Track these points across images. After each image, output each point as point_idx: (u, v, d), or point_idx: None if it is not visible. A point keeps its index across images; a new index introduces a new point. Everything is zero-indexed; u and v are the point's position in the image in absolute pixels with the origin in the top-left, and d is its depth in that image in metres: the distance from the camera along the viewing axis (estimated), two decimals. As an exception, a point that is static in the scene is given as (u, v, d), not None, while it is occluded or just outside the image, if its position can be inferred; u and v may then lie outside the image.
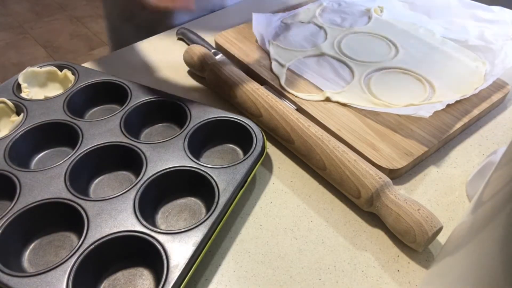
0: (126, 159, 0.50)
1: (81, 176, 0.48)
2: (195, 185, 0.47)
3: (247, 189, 0.50)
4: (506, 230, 0.24)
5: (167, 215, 0.46)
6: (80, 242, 0.40)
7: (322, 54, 0.67)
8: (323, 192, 0.50)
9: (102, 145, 0.50)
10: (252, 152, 0.49)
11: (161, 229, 0.41)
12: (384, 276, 0.42)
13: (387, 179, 0.46)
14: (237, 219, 0.47)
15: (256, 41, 0.69)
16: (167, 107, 0.56)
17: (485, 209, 0.28)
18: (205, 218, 0.42)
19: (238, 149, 0.54)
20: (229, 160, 0.50)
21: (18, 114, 0.55)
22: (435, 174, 0.52)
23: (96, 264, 0.40)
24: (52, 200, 0.44)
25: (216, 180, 0.45)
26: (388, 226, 0.45)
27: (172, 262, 0.38)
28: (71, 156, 0.48)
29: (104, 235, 0.41)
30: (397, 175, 0.51)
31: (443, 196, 0.49)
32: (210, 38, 0.73)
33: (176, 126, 0.55)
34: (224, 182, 0.45)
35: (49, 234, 0.44)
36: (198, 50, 0.64)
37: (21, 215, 0.42)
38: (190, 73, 0.68)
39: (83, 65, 0.63)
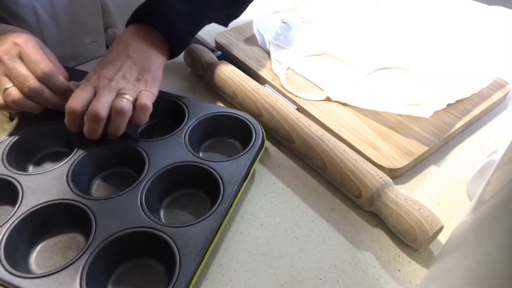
0: (127, 158, 0.50)
1: (83, 177, 0.48)
2: (198, 179, 0.47)
3: (248, 189, 0.50)
4: (507, 230, 0.24)
5: (171, 210, 0.47)
6: (90, 241, 0.40)
7: (322, 54, 0.67)
8: (323, 192, 0.50)
9: (103, 144, 0.50)
10: (253, 144, 0.49)
11: (169, 224, 0.42)
12: (384, 275, 0.42)
13: (388, 179, 0.46)
14: (237, 219, 0.47)
15: (257, 41, 0.69)
16: (166, 106, 0.56)
17: (486, 208, 0.28)
18: (213, 210, 0.42)
19: (237, 143, 0.54)
20: (229, 154, 0.50)
21: (11, 119, 0.54)
22: (436, 174, 0.52)
23: (107, 261, 0.40)
24: (57, 201, 0.44)
25: (220, 173, 0.46)
26: (389, 225, 0.45)
27: (183, 255, 0.39)
28: (71, 157, 0.48)
29: (112, 232, 0.41)
30: (398, 175, 0.51)
31: (444, 195, 0.49)
32: (210, 38, 0.73)
33: (175, 124, 0.55)
34: (228, 175, 0.46)
35: (55, 236, 0.44)
36: (198, 50, 0.64)
37: (25, 218, 0.42)
38: (190, 73, 0.67)
39: (82, 66, 0.63)
